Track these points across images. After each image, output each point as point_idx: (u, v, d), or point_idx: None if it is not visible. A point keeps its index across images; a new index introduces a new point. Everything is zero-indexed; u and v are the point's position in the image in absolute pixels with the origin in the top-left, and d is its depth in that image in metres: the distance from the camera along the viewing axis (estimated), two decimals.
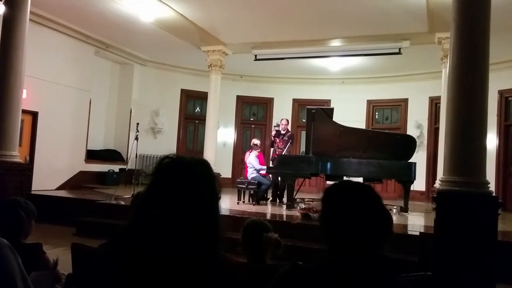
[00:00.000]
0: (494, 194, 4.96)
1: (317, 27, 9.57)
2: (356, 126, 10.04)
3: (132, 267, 1.17)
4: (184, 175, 1.27)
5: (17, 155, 7.37)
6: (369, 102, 13.61)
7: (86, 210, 8.04)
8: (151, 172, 1.33)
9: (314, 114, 8.66)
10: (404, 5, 8.13)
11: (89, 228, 7.20)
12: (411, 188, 8.67)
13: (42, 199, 8.10)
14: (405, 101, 13.08)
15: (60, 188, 10.47)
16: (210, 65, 11.49)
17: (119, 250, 1.23)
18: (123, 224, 1.30)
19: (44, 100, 9.90)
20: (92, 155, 11.90)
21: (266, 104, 14.63)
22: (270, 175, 9.36)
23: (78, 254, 2.59)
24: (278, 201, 9.48)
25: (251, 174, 9.29)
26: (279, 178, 9.25)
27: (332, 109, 9.52)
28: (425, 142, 12.45)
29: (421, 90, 12.32)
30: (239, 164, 13.98)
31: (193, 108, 14.39)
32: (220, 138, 13.34)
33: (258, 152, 9.70)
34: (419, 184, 10.15)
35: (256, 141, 9.96)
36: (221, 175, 11.84)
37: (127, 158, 11.80)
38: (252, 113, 14.91)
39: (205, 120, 11.93)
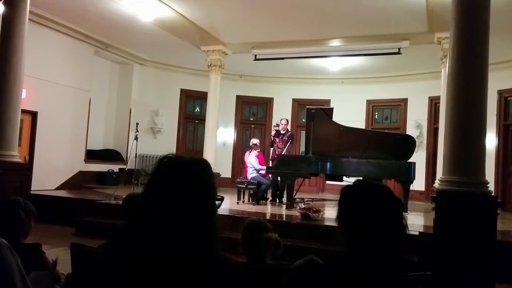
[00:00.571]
0: (493, 194, 4.97)
1: (317, 27, 9.57)
2: (356, 126, 10.04)
3: (131, 267, 1.17)
4: (181, 175, 1.27)
5: (16, 155, 7.37)
6: (369, 102, 13.61)
7: (85, 210, 8.03)
8: (151, 172, 1.33)
9: (314, 114, 8.66)
10: (403, 5, 8.13)
11: (89, 228, 7.20)
12: (411, 188, 8.67)
13: (41, 199, 8.09)
14: (405, 101, 13.08)
15: (59, 188, 10.47)
16: (210, 65, 11.48)
17: (118, 250, 1.23)
18: (121, 224, 1.30)
19: (44, 100, 9.90)
20: (92, 155, 11.90)
21: (265, 104, 14.64)
22: (270, 175, 9.36)
23: (78, 254, 2.58)
24: (277, 201, 9.49)
25: (250, 174, 9.29)
26: (279, 178, 9.25)
27: (332, 109, 9.52)
28: (425, 142, 12.46)
29: (421, 90, 12.33)
30: (238, 164, 13.98)
31: (192, 108, 14.38)
32: (219, 138, 13.34)
33: (258, 152, 9.70)
34: (418, 183, 10.16)
35: (255, 140, 9.96)
36: (220, 175, 11.84)
37: (126, 158, 11.79)
38: (252, 113, 14.91)
39: (204, 120, 11.93)
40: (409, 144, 8.73)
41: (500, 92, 10.46)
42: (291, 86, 14.07)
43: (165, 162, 1.31)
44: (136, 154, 9.45)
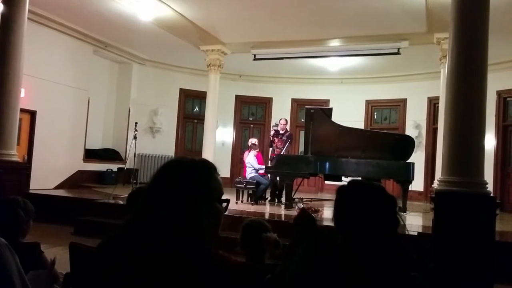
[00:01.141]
0: (492, 195, 4.97)
1: (316, 27, 9.57)
2: (355, 126, 10.04)
3: (126, 267, 1.17)
4: (179, 175, 1.27)
5: (15, 154, 7.35)
6: (368, 102, 13.62)
7: (84, 210, 8.02)
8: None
9: (313, 114, 8.67)
10: (403, 5, 8.13)
11: (87, 228, 7.19)
12: (410, 188, 8.68)
13: (40, 198, 8.08)
14: (404, 101, 13.09)
15: (58, 187, 10.46)
16: (209, 64, 11.47)
17: (114, 249, 1.23)
18: (119, 223, 1.31)
19: (43, 99, 9.89)
20: (91, 154, 11.88)
21: (265, 104, 14.63)
22: (269, 175, 9.36)
23: (76, 253, 2.59)
24: (276, 200, 9.49)
25: (249, 173, 9.29)
26: (278, 178, 9.25)
27: (331, 109, 9.53)
28: (424, 142, 12.46)
29: (420, 90, 12.33)
30: (237, 164, 13.98)
31: (191, 107, 14.38)
32: (218, 138, 13.33)
33: (257, 151, 9.70)
34: (417, 184, 10.17)
35: (254, 140, 9.96)
36: (220, 175, 11.81)
37: (125, 157, 11.77)
38: (251, 113, 14.91)
39: (203, 119, 11.92)
40: (408, 144, 8.74)
41: (499, 93, 10.47)
42: (290, 86, 14.07)
43: (164, 162, 1.33)
44: (135, 153, 9.45)
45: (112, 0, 8.75)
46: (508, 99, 10.59)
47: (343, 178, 8.72)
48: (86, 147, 11.67)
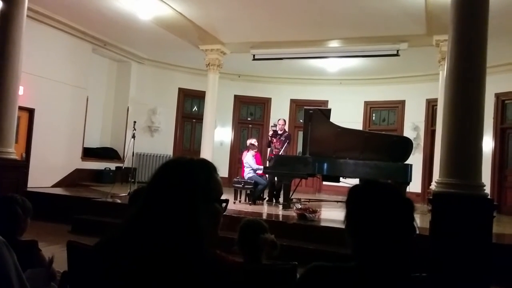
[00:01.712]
0: (489, 197, 4.98)
1: (316, 27, 9.57)
2: (353, 127, 10.04)
3: (124, 266, 1.17)
4: (177, 174, 1.28)
5: (13, 152, 7.34)
6: (367, 103, 13.63)
7: (82, 208, 8.02)
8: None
9: (312, 115, 8.67)
10: (402, 7, 8.14)
11: (85, 226, 7.19)
12: (407, 190, 8.68)
13: (38, 196, 8.09)
14: (402, 103, 13.11)
15: (56, 185, 10.45)
16: (208, 64, 11.47)
17: (112, 248, 1.24)
18: (118, 222, 1.31)
19: (41, 97, 9.88)
20: (89, 153, 11.87)
21: (263, 104, 14.63)
22: (267, 175, 9.37)
23: (74, 251, 2.58)
24: (274, 201, 9.49)
25: (248, 173, 9.29)
26: (276, 178, 9.25)
27: (330, 109, 9.53)
28: (422, 144, 12.48)
29: (418, 92, 12.35)
30: (236, 164, 13.98)
31: (190, 107, 14.37)
32: (217, 138, 13.32)
33: (255, 152, 9.70)
34: (415, 185, 10.18)
35: (252, 140, 9.96)
36: (219, 176, 11.81)
37: (123, 156, 11.77)
38: (250, 113, 14.91)
39: (202, 119, 11.91)
40: (406, 146, 8.74)
41: (498, 95, 10.49)
42: (289, 87, 14.07)
43: (165, 162, 1.33)
44: (133, 152, 9.44)
45: None
46: (506, 101, 10.61)
47: (341, 179, 8.73)
48: (84, 146, 11.66)
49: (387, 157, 8.47)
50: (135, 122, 9.60)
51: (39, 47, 9.63)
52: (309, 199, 10.26)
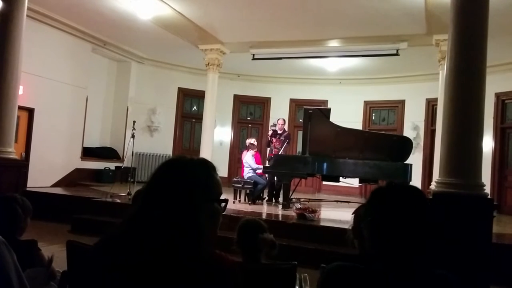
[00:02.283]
0: (489, 197, 4.98)
1: (315, 27, 9.57)
2: (353, 127, 10.04)
3: (124, 266, 1.17)
4: (177, 174, 1.28)
5: (12, 151, 7.34)
6: (366, 103, 13.63)
7: (81, 208, 8.02)
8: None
9: (311, 114, 8.66)
10: (402, 7, 8.14)
11: (85, 226, 7.19)
12: None
13: (37, 196, 8.09)
14: (402, 102, 13.11)
15: (55, 185, 10.45)
16: (208, 63, 11.47)
17: (111, 248, 1.24)
18: (118, 221, 1.31)
19: (41, 97, 9.88)
20: (88, 153, 11.87)
21: (263, 104, 14.63)
22: (266, 175, 9.37)
23: (73, 251, 2.58)
24: (274, 200, 9.50)
25: (247, 173, 9.29)
26: (275, 178, 9.25)
27: (329, 109, 9.53)
28: (422, 143, 12.48)
29: (418, 92, 12.35)
30: (235, 163, 13.98)
31: (190, 106, 14.37)
32: (216, 137, 13.32)
33: (255, 151, 9.70)
34: (415, 185, 10.15)
35: (252, 140, 9.96)
36: (218, 175, 11.80)
37: (123, 156, 11.77)
38: (249, 113, 14.91)
39: (202, 118, 11.91)
40: (406, 145, 8.74)
41: (498, 95, 10.49)
42: (288, 86, 14.07)
43: (164, 161, 1.33)
44: (132, 152, 9.44)
45: None
46: (506, 101, 10.61)
47: (340, 178, 8.74)
48: (84, 145, 11.66)
49: (387, 157, 8.47)
50: (134, 121, 9.59)
51: (39, 46, 9.63)
52: (309, 199, 10.26)
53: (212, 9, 9.07)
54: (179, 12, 9.29)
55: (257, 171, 9.31)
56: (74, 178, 11.06)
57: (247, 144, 9.89)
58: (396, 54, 9.97)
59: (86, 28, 10.76)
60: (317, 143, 8.59)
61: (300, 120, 12.55)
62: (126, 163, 11.22)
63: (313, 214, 7.08)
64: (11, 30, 7.12)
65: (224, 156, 14.09)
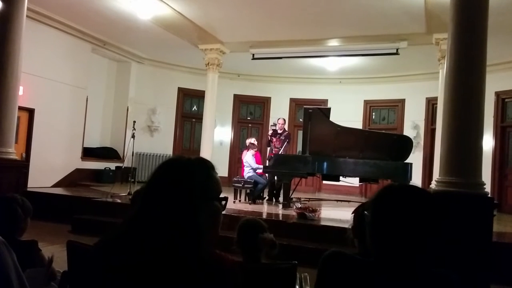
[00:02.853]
0: (489, 195, 4.98)
1: (315, 26, 9.57)
2: (353, 126, 10.04)
3: (124, 266, 1.18)
4: (176, 174, 1.28)
5: (13, 152, 7.34)
6: (366, 102, 13.63)
7: (82, 208, 8.03)
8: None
9: (311, 114, 8.67)
10: (402, 6, 8.14)
11: (85, 226, 7.20)
12: None
13: (38, 196, 8.09)
14: (402, 101, 13.11)
15: (56, 185, 10.45)
16: (208, 63, 11.46)
17: (112, 248, 1.24)
18: (118, 221, 1.31)
19: (41, 97, 9.88)
20: (89, 153, 11.88)
21: (263, 103, 14.63)
22: (267, 174, 9.36)
23: (74, 251, 2.58)
24: (274, 200, 9.50)
25: (247, 173, 9.29)
26: (276, 177, 9.25)
27: (329, 109, 9.53)
28: (422, 142, 12.47)
29: (418, 91, 12.35)
30: (235, 163, 13.98)
31: (190, 106, 14.37)
32: (217, 137, 13.32)
33: (255, 151, 9.70)
34: (415, 184, 10.15)
35: (252, 140, 9.96)
36: (217, 174, 11.81)
37: (123, 156, 11.77)
38: (249, 112, 14.91)
39: (202, 118, 11.91)
40: (406, 144, 8.74)
41: (498, 94, 10.49)
42: (288, 86, 14.07)
43: (163, 161, 1.33)
44: (133, 152, 9.44)
45: None
46: (506, 100, 10.61)
47: (341, 178, 8.74)
48: (84, 146, 11.66)
49: (387, 156, 8.47)
50: (134, 121, 9.60)
51: (39, 47, 9.63)
52: (309, 198, 10.27)
53: (212, 9, 9.07)
54: (178, 12, 9.29)
55: (257, 170, 9.31)
56: (74, 178, 11.06)
57: (247, 144, 9.88)
58: (396, 53, 9.96)
59: (86, 28, 10.76)
60: (317, 142, 8.59)
61: (300, 120, 12.55)
62: (127, 163, 11.23)
63: (313, 214, 7.08)
64: (11, 30, 7.11)
65: (224, 156, 14.10)
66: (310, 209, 7.23)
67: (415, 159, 9.99)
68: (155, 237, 1.19)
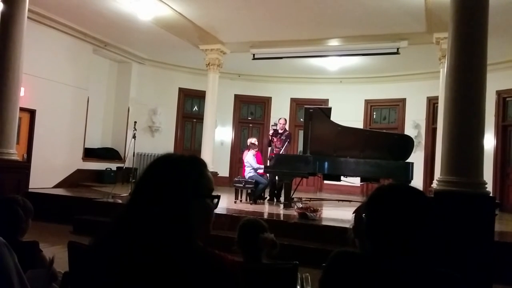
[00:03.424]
0: (491, 195, 4.97)
1: (316, 26, 9.57)
2: (354, 125, 10.03)
3: (117, 265, 1.18)
4: (164, 171, 1.28)
5: (14, 153, 7.35)
6: (367, 101, 13.62)
7: (83, 208, 8.03)
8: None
9: (312, 114, 8.66)
10: (402, 5, 8.13)
11: (86, 227, 7.19)
12: None
13: (39, 197, 8.10)
14: (403, 101, 13.10)
15: (57, 186, 10.46)
16: (208, 64, 11.47)
17: (105, 248, 1.24)
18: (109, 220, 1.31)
19: (42, 98, 9.89)
20: (90, 153, 11.89)
21: (264, 103, 14.63)
22: (268, 174, 9.36)
23: (75, 252, 2.58)
24: (275, 200, 9.49)
25: (248, 173, 9.29)
26: (277, 177, 9.25)
27: (330, 108, 9.52)
28: (423, 142, 12.47)
29: (419, 90, 12.34)
30: (236, 163, 13.99)
31: (190, 106, 14.38)
32: (217, 137, 13.33)
33: (256, 151, 9.70)
34: (416, 184, 10.15)
35: (253, 140, 9.95)
36: (218, 174, 11.83)
37: (124, 156, 11.78)
38: (250, 112, 14.91)
39: (202, 118, 11.93)
40: (407, 144, 8.73)
41: (499, 93, 10.48)
42: (289, 86, 14.07)
43: (154, 159, 1.33)
44: (134, 152, 9.44)
45: (112, 0, 8.75)
46: (507, 99, 10.59)
47: (342, 177, 8.73)
48: (85, 146, 11.67)
49: (388, 156, 8.46)
50: (135, 122, 9.60)
51: (40, 48, 9.64)
52: (310, 198, 10.26)
53: (212, 9, 9.07)
54: (179, 13, 9.30)
55: (258, 170, 9.30)
56: (75, 179, 11.07)
57: (248, 144, 9.88)
58: (397, 53, 9.96)
59: (87, 29, 10.78)
60: (318, 142, 8.59)
61: (301, 120, 12.54)
62: (128, 163, 11.24)
63: (314, 214, 7.08)
64: (12, 32, 7.13)
65: (225, 156, 14.11)
66: (311, 209, 7.22)
67: (416, 158, 9.97)
68: (146, 236, 1.18)
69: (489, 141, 10.09)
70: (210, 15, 9.43)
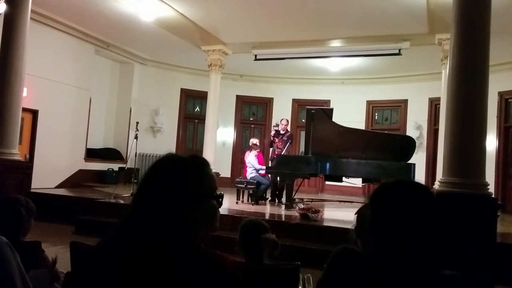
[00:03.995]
0: (493, 196, 4.96)
1: (317, 27, 9.57)
2: (356, 126, 10.04)
3: (121, 267, 1.18)
4: (165, 173, 1.28)
5: (17, 153, 7.37)
6: (369, 102, 13.62)
7: (85, 209, 8.04)
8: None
9: (314, 114, 8.66)
10: (404, 6, 8.13)
11: (88, 227, 7.20)
12: None
13: (41, 197, 8.10)
14: (405, 102, 13.09)
15: (59, 186, 10.48)
16: (210, 64, 11.48)
17: (110, 249, 1.24)
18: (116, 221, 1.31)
19: (44, 99, 9.90)
20: (92, 154, 11.90)
21: (265, 104, 14.64)
22: (269, 175, 9.36)
23: (77, 252, 2.59)
24: (277, 201, 9.49)
25: (250, 173, 9.29)
26: (278, 178, 9.25)
27: (332, 109, 9.52)
28: (425, 143, 12.46)
29: (421, 91, 12.33)
30: (238, 164, 13.99)
31: (192, 107, 14.39)
32: (219, 138, 13.34)
33: (258, 151, 9.70)
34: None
35: (255, 140, 9.96)
36: (220, 175, 11.83)
37: (126, 157, 11.80)
38: (252, 113, 14.92)
39: (204, 119, 11.93)
40: (409, 145, 8.72)
41: (501, 94, 10.46)
42: (291, 86, 14.07)
43: (156, 160, 1.33)
44: (136, 153, 9.46)
45: (114, 0, 8.76)
46: (509, 100, 10.57)
47: (343, 178, 8.73)
48: (88, 147, 11.69)
49: (390, 157, 8.46)
50: (137, 122, 9.61)
51: (43, 49, 9.66)
52: (312, 199, 10.25)
53: (214, 10, 9.08)
54: (181, 14, 9.31)
55: (260, 171, 9.30)
56: (77, 179, 11.08)
57: (250, 145, 9.88)
58: (399, 54, 9.96)
59: (89, 30, 10.80)
60: (320, 143, 8.58)
61: (303, 120, 12.55)
62: (130, 164, 11.24)
63: (316, 214, 7.07)
64: (15, 32, 7.15)
65: (227, 156, 14.12)
66: (313, 209, 7.22)
67: (418, 159, 9.96)
68: (150, 237, 1.19)
69: (491, 142, 10.05)
70: (212, 16, 9.44)
